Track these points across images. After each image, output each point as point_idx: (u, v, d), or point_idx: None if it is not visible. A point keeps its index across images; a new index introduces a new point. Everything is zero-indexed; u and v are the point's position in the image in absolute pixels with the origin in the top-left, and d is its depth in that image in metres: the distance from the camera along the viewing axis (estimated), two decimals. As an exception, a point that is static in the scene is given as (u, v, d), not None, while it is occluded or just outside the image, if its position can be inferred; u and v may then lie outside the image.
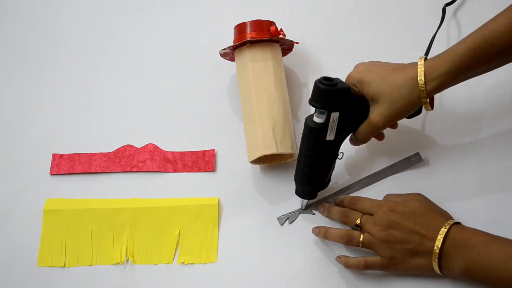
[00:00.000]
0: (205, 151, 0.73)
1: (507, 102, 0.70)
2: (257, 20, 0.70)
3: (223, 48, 0.71)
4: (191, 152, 0.73)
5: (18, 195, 0.72)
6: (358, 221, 0.63)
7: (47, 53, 0.83)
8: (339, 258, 0.63)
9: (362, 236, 0.62)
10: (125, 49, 0.82)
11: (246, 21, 0.70)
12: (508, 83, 0.71)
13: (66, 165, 0.74)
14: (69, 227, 0.69)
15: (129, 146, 0.74)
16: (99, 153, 0.74)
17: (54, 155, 0.74)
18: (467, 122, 0.70)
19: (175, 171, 0.72)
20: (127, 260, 0.68)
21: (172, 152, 0.74)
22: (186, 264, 0.67)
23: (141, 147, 0.74)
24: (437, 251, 0.57)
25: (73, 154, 0.74)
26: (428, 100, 0.59)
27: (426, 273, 0.60)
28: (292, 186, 0.68)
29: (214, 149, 0.73)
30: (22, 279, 0.67)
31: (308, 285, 0.64)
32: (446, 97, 0.71)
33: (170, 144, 0.74)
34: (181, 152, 0.73)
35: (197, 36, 0.81)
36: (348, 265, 0.62)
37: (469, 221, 0.61)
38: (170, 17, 0.83)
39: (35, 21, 0.86)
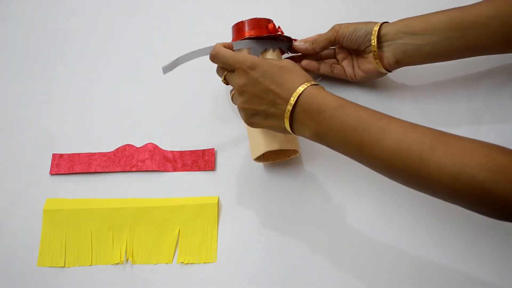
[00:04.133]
0: (204, 150, 0.73)
1: (507, 102, 0.70)
2: (255, 18, 0.70)
3: None
4: (191, 151, 0.73)
5: (18, 195, 0.72)
6: (222, 79, 0.63)
7: (47, 53, 0.83)
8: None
9: (231, 94, 0.64)
10: (125, 49, 0.82)
11: (244, 19, 0.70)
12: (508, 83, 0.71)
13: (66, 165, 0.74)
14: (69, 227, 0.70)
15: (129, 145, 0.74)
16: (98, 152, 0.74)
17: (54, 155, 0.74)
18: (467, 122, 0.70)
19: (174, 170, 0.72)
20: (127, 260, 0.68)
21: (172, 152, 0.74)
22: (186, 263, 0.67)
23: (141, 147, 0.74)
24: (288, 114, 0.56)
25: (73, 154, 0.74)
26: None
27: (281, 132, 0.60)
28: (292, 184, 0.68)
29: (214, 148, 0.73)
30: (22, 279, 0.67)
31: (308, 285, 0.64)
32: (446, 97, 0.71)
33: (169, 144, 0.74)
34: (181, 152, 0.73)
35: (196, 35, 0.81)
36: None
37: (471, 222, 0.60)
38: (170, 17, 0.83)
39: (35, 21, 0.86)
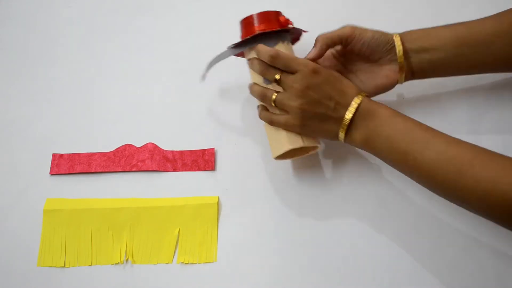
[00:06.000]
0: (204, 150, 0.73)
1: (507, 102, 0.70)
2: (264, 12, 0.67)
3: (232, 44, 0.69)
4: (191, 151, 0.73)
5: (18, 195, 0.72)
6: (277, 76, 0.63)
7: (47, 53, 0.83)
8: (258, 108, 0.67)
9: (274, 95, 0.63)
10: (125, 49, 0.82)
11: (252, 13, 0.67)
12: (508, 83, 0.71)
13: (66, 165, 0.74)
14: (69, 227, 0.70)
15: (129, 145, 0.74)
16: (98, 152, 0.74)
17: (54, 155, 0.74)
18: (467, 123, 0.70)
19: (174, 170, 0.72)
20: (127, 260, 0.68)
21: (172, 151, 0.74)
22: (186, 263, 0.67)
23: (141, 147, 0.74)
24: (348, 119, 0.60)
25: (73, 154, 0.74)
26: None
27: (329, 138, 0.63)
28: (292, 183, 0.68)
29: (214, 148, 0.73)
30: (22, 279, 0.67)
31: (308, 284, 0.64)
32: (446, 97, 0.71)
33: (169, 143, 0.74)
34: (181, 151, 0.73)
35: (196, 35, 0.81)
36: (260, 117, 0.66)
37: (469, 222, 0.60)
38: (170, 17, 0.83)
39: (35, 21, 0.86)
